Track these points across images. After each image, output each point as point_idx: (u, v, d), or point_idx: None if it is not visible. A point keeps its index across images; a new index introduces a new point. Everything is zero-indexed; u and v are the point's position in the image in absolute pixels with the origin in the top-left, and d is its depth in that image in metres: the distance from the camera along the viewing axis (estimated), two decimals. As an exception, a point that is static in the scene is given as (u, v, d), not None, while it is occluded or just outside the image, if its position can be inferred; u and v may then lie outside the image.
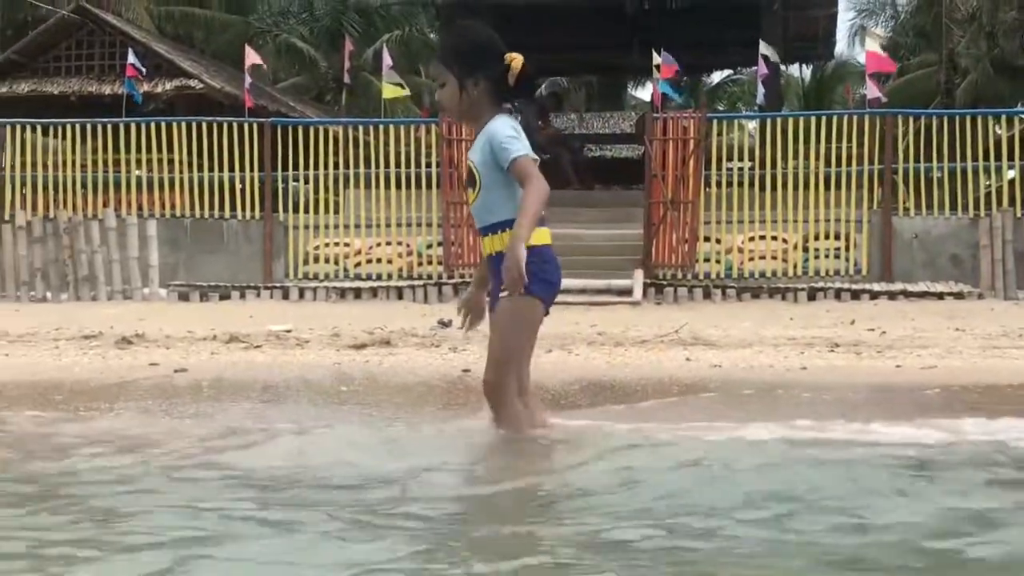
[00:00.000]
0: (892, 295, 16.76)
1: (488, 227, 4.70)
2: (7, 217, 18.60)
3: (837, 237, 18.32)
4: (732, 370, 8.83)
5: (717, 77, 44.81)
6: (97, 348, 10.24)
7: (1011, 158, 18.37)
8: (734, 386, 7.70)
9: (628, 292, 17.23)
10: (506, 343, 4.66)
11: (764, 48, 19.39)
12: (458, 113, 4.73)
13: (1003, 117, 19.76)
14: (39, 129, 20.18)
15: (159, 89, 23.17)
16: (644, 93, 45.57)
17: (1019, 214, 17.80)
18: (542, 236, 4.71)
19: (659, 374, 8.61)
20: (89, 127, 19.59)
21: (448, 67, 4.66)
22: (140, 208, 19.30)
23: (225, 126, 19.37)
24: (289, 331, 11.64)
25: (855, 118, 18.92)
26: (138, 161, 19.41)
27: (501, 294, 4.59)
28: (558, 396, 7.13)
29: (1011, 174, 18.82)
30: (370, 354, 9.86)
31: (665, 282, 17.61)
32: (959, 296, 16.70)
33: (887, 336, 11.36)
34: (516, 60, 4.62)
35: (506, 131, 4.56)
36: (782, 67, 25.17)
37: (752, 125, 22.72)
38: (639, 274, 17.60)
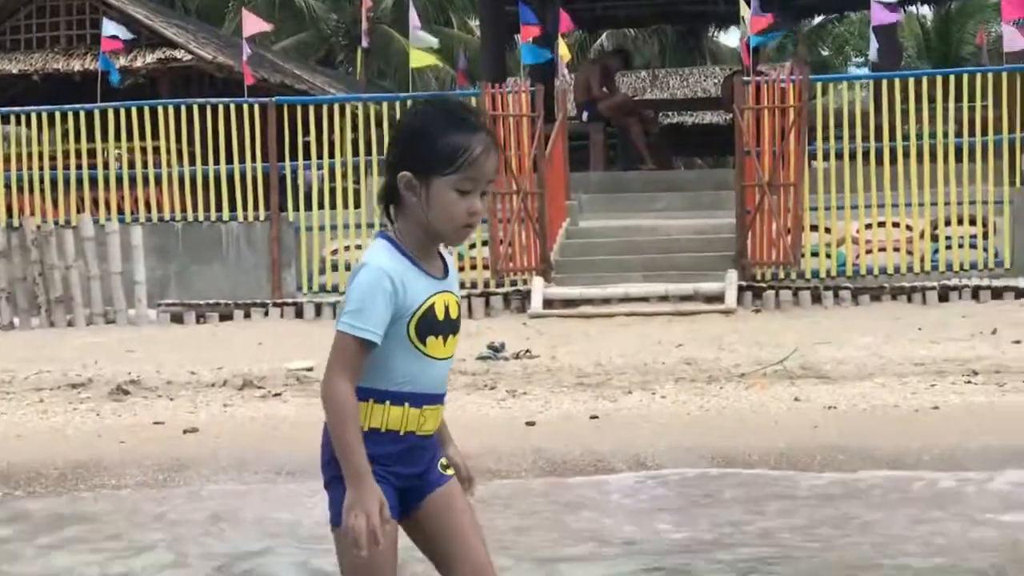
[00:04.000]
0: (1043, 293, 17.05)
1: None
2: (-39, 227, 19.01)
3: (973, 223, 18.55)
4: (849, 415, 9.13)
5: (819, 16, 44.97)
6: (88, 401, 10.66)
7: None
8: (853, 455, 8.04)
9: (719, 298, 17.51)
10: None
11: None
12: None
13: None
14: (-4, 116, 20.66)
15: (138, 63, 23.41)
16: (730, 39, 45.78)
17: None
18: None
19: (763, 426, 8.92)
20: (58, 113, 20.03)
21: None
22: (121, 211, 19.73)
23: (220, 107, 19.76)
24: (311, 369, 12.01)
25: (990, 75, 19.11)
26: (117, 153, 19.80)
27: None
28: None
29: None
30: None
31: (764, 284, 17.89)
32: None
33: (1037, 354, 11.65)
34: None
35: None
36: (901, 11, 25.36)
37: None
38: (732, 275, 17.87)
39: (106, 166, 19.87)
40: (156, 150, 19.87)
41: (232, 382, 11.36)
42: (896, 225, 18.66)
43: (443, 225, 3.92)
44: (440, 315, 3.95)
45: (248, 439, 8.87)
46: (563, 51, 20.67)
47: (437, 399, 3.99)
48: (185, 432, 9.11)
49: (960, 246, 18.54)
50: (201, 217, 19.75)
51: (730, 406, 9.81)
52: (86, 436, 9.15)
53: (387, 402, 3.89)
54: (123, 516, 7.15)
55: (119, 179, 19.89)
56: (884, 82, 19.26)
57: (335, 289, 19.09)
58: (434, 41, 22.32)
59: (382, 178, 4.15)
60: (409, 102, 20.12)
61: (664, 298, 17.57)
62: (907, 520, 6.73)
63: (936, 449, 8.20)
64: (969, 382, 10.40)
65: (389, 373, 3.90)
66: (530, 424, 9.30)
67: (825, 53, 48.53)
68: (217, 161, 19.64)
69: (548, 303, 17.77)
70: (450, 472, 4.06)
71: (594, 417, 9.59)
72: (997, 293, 17.13)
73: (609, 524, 6.93)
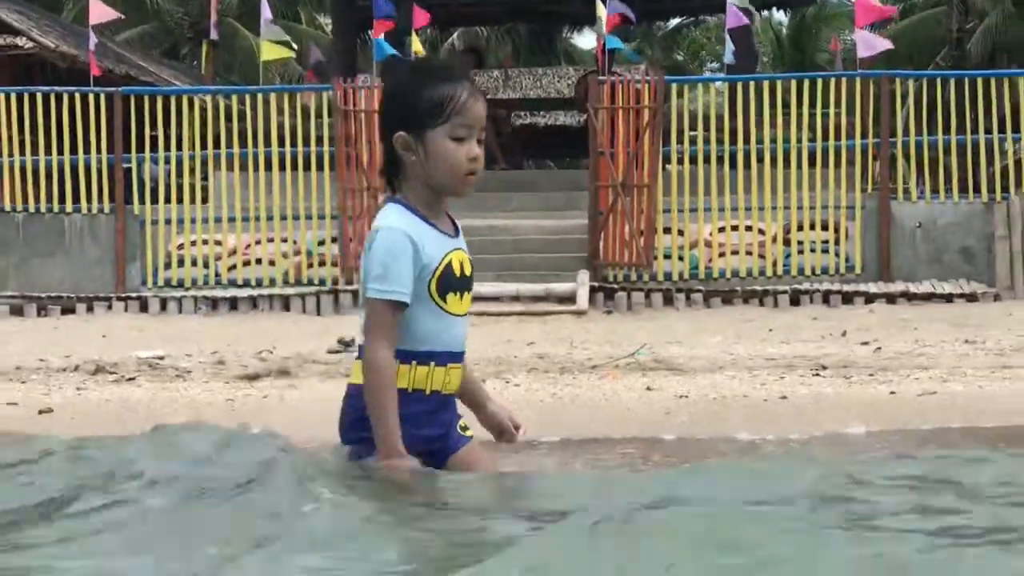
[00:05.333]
0: (891, 298, 17.77)
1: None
2: None
3: (825, 228, 19.18)
4: (700, 404, 9.65)
5: (675, 20, 45.71)
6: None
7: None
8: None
9: (571, 299, 17.97)
10: None
11: (731, -3, 20.14)
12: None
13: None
14: None
15: (-26, 50, 23.49)
16: (584, 40, 46.42)
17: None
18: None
19: (616, 413, 9.40)
20: None
21: None
22: (-42, 201, 19.73)
23: (65, 97, 19.86)
24: (162, 358, 12.31)
25: (844, 80, 19.80)
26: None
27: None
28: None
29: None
30: (267, 387, 10.59)
31: (616, 285, 18.39)
32: (971, 298, 17.73)
33: (882, 353, 12.29)
34: None
35: None
36: (755, 14, 26.00)
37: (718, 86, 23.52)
38: (584, 276, 18.33)
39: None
40: (-6, 139, 19.90)
41: (84, 367, 11.62)
42: (749, 229, 19.20)
43: (446, 176, 4.09)
44: (457, 272, 4.12)
45: (103, 420, 9.14)
46: (416, 47, 20.97)
47: (459, 357, 4.17)
48: (40, 412, 9.38)
49: (812, 251, 19.12)
50: (43, 209, 19.78)
51: (583, 395, 10.28)
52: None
53: (413, 362, 4.08)
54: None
55: (-44, 168, 19.88)
56: (739, 85, 19.82)
57: (180, 284, 19.29)
58: (283, 36, 22.56)
59: (381, 148, 4.27)
60: (260, 96, 20.46)
61: (516, 298, 17.99)
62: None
63: (787, 434, 8.74)
64: (817, 375, 10.99)
65: (413, 333, 4.06)
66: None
67: (680, 58, 49.35)
68: (61, 152, 19.71)
69: (399, 301, 18.13)
70: (469, 434, 4.28)
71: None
72: (848, 298, 17.82)
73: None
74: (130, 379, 11.05)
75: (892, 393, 9.78)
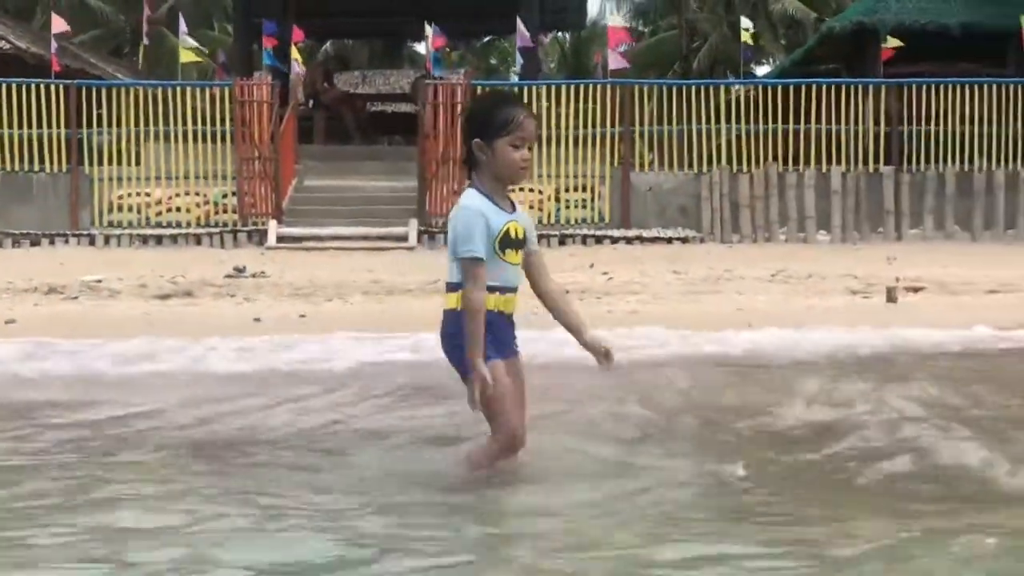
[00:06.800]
0: (629, 240, 18.33)
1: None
2: None
3: (584, 189, 19.57)
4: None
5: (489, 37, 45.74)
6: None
7: (729, 121, 19.88)
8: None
9: (404, 239, 18.28)
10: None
11: (520, 23, 20.45)
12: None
13: (721, 87, 21.31)
14: None
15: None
16: (423, 48, 46.24)
17: (733, 170, 19.47)
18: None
19: (427, 320, 9.70)
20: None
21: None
22: (-48, 163, 19.40)
23: (33, 87, 19.59)
24: (100, 281, 12.35)
25: (599, 86, 20.22)
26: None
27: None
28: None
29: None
30: (175, 304, 10.73)
31: (437, 230, 18.64)
32: (684, 240, 18.36)
33: (612, 281, 12.72)
34: None
35: None
36: (541, 36, 26.34)
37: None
38: (414, 223, 18.63)
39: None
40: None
41: (40, 289, 11.65)
42: (531, 190, 19.42)
43: (505, 171, 4.42)
44: (512, 236, 4.43)
45: (52, 328, 9.19)
46: (295, 55, 20.98)
47: (513, 290, 4.48)
48: (7, 322, 9.45)
49: (576, 206, 19.50)
50: (17, 168, 19.54)
51: (403, 310, 10.52)
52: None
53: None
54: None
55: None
56: (526, 88, 20.14)
57: (119, 225, 19.19)
58: (196, 44, 22.40)
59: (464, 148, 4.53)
60: (179, 88, 20.34)
61: (364, 238, 18.24)
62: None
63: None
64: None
65: (486, 275, 4.37)
66: (256, 320, 9.85)
67: (493, 63, 49.48)
68: (31, 127, 19.44)
69: (280, 239, 18.27)
70: (518, 351, 4.57)
71: (302, 316, 10.14)
72: (599, 240, 18.36)
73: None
74: (73, 298, 11.12)
75: (608, 311, 10.14)
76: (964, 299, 10.35)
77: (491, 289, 4.40)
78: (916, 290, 10.86)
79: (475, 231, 4.36)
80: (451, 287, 4.47)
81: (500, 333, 4.46)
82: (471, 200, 4.43)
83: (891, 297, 10.09)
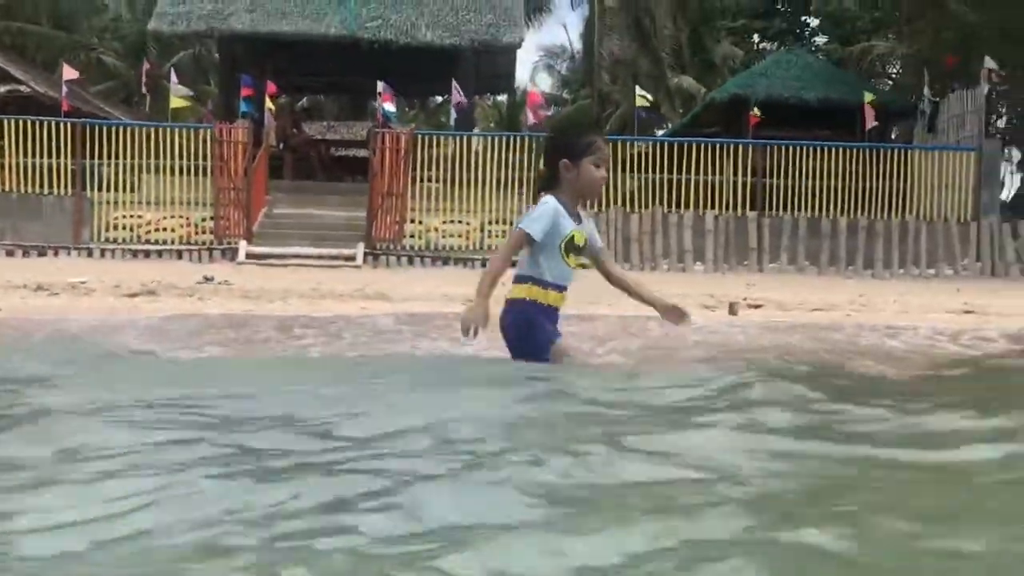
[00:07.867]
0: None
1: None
2: None
3: (506, 222, 19.42)
4: (416, 318, 9.87)
5: (440, 98, 45.65)
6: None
7: (627, 171, 19.90)
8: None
9: (353, 258, 18.14)
10: None
11: (456, 84, 20.43)
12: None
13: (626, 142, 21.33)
14: None
15: (-7, 92, 22.61)
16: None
17: (627, 211, 19.49)
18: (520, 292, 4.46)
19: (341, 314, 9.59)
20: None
21: None
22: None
23: (47, 124, 19.30)
24: (84, 282, 12.10)
25: (520, 138, 20.22)
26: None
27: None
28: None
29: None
30: (139, 301, 10.49)
31: (380, 252, 18.60)
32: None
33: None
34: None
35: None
36: (477, 97, 26.31)
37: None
38: (361, 245, 18.51)
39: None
40: (1, 148, 19.29)
41: (30, 286, 11.38)
42: (462, 222, 19.56)
43: (588, 187, 4.38)
44: (576, 242, 4.37)
45: (29, 313, 8.97)
46: (269, 104, 20.83)
47: (565, 288, 4.41)
48: (-8, 310, 9.21)
49: (498, 236, 19.41)
50: (30, 191, 19.24)
51: (319, 310, 10.32)
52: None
53: (548, 288, 4.36)
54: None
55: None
56: (459, 138, 20.15)
57: (115, 241, 18.91)
58: (188, 92, 22.17)
59: (543, 168, 4.51)
60: (171, 129, 20.10)
61: (320, 256, 18.08)
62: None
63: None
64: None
65: (548, 271, 4.34)
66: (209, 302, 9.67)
67: (444, 120, 49.27)
68: (43, 157, 19.21)
69: (249, 256, 18.06)
70: (561, 333, 4.44)
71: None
72: (514, 264, 18.20)
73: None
74: (55, 294, 10.87)
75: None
76: (793, 313, 10.35)
77: (552, 286, 4.36)
78: (757, 307, 10.86)
79: (545, 219, 4.29)
80: (517, 279, 4.43)
81: (554, 323, 4.41)
82: (552, 201, 4.35)
83: (732, 311, 10.07)
